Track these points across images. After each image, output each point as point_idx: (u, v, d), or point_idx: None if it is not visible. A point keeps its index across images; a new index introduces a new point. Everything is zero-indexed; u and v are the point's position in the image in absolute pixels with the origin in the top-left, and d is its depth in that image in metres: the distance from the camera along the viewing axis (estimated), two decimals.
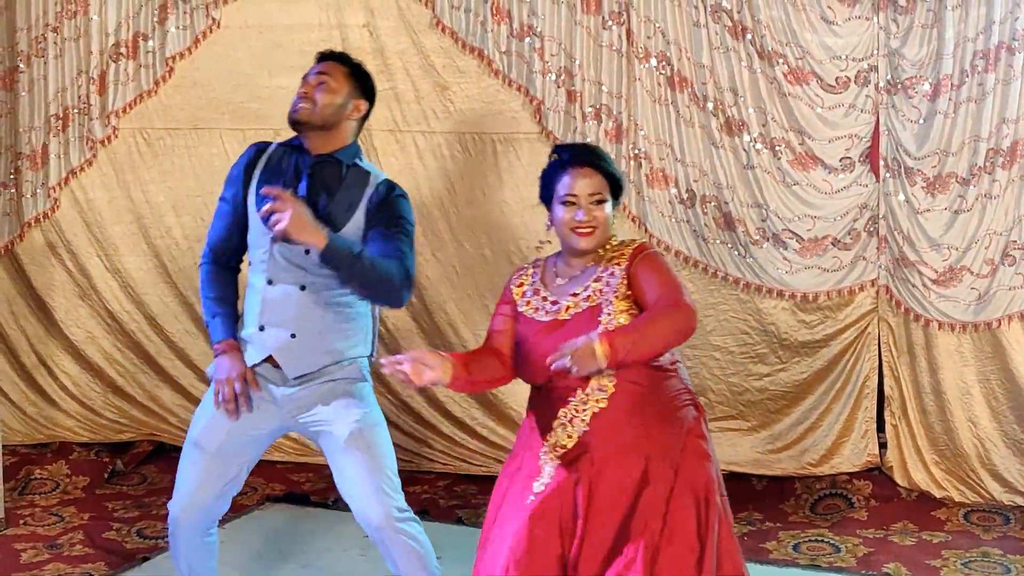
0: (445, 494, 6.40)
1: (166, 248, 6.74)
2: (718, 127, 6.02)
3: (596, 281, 3.86)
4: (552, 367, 3.58)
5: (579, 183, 3.87)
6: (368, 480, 4.29)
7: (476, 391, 4.00)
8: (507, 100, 6.25)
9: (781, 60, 5.94)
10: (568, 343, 3.57)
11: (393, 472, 4.37)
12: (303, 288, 4.31)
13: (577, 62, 6.12)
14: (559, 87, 6.16)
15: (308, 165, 4.38)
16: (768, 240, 6.05)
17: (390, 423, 6.50)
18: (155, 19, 6.54)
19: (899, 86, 5.88)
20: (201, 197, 6.64)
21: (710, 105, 6.03)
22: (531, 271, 4.04)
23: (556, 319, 3.85)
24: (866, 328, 6.10)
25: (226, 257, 4.53)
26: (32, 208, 6.79)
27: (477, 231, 6.35)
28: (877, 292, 6.06)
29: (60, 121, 6.68)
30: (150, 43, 6.56)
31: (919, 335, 6.01)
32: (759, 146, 6.01)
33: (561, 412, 3.81)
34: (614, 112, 6.10)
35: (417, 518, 4.40)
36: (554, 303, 3.89)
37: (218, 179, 6.43)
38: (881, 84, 5.90)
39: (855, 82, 5.92)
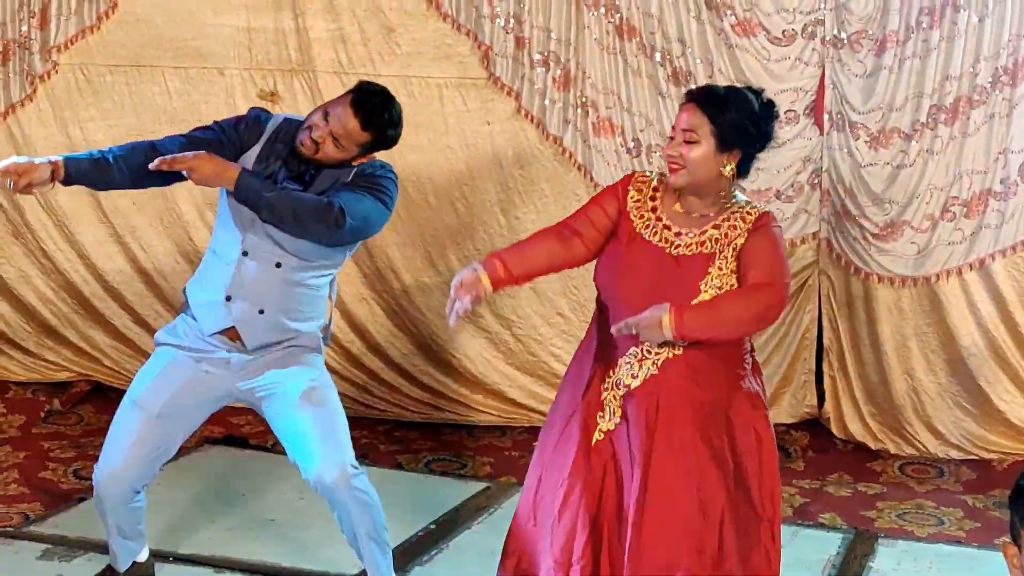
0: (385, 439, 6.39)
1: None
2: (665, 77, 6.02)
3: (715, 228, 3.74)
4: (616, 334, 3.55)
5: (679, 117, 3.78)
6: (321, 437, 4.22)
7: (541, 273, 3.88)
8: (455, 45, 6.20)
9: (729, 12, 5.94)
10: (635, 316, 3.53)
11: (345, 433, 4.31)
12: (278, 265, 4.25)
13: (526, 8, 6.09)
14: (508, 33, 6.12)
15: (312, 165, 4.27)
16: None
17: (330, 369, 6.52)
18: None
19: (845, 40, 5.91)
20: (142, 136, 6.46)
21: (658, 55, 6.02)
22: (654, 182, 3.86)
23: (667, 253, 3.73)
24: (807, 280, 6.15)
25: (132, 164, 4.20)
26: None
27: (421, 176, 6.31)
28: (818, 245, 6.11)
29: (0, 56, 6.55)
30: None
31: (859, 288, 6.06)
32: None
33: (632, 350, 3.73)
34: (562, 60, 6.09)
35: (365, 471, 4.34)
36: (667, 228, 3.77)
37: (160, 118, 6.44)
38: (827, 38, 5.93)
39: (802, 35, 5.94)
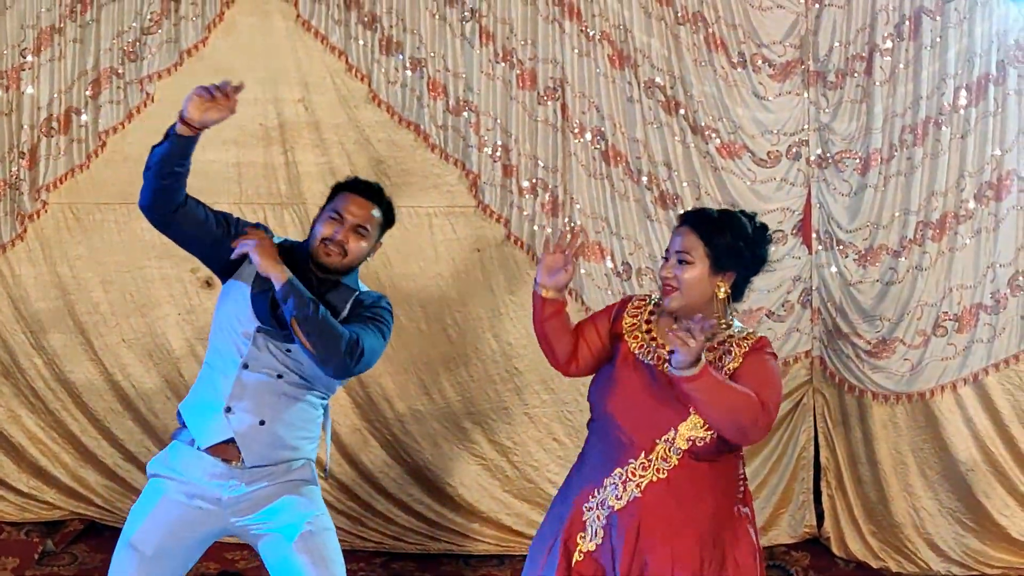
0: (382, 571, 6.32)
1: (93, 325, 6.62)
2: (652, 200, 6.07)
3: (711, 351, 3.78)
4: (670, 335, 3.54)
5: (674, 240, 3.85)
6: None
7: (543, 336, 3.89)
8: (443, 174, 6.26)
9: (714, 135, 6.01)
10: (689, 324, 3.53)
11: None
12: (280, 376, 4.28)
13: (513, 137, 6.16)
14: (495, 161, 6.18)
15: (315, 284, 4.34)
16: None
17: (325, 502, 6.48)
18: (88, 93, 6.47)
19: (830, 160, 5.97)
20: (130, 272, 6.56)
21: (644, 179, 6.08)
22: (650, 307, 3.96)
23: (658, 369, 3.78)
24: (801, 399, 6.14)
25: (181, 201, 4.35)
26: None
27: (413, 304, 6.32)
28: (812, 363, 6.11)
29: None
30: (83, 117, 6.49)
31: (853, 406, 6.06)
32: None
33: (616, 471, 3.77)
34: (550, 186, 6.14)
35: None
36: (661, 347, 3.83)
37: (148, 254, 6.46)
38: (812, 158, 5.99)
39: (787, 156, 6.01)
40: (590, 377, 4.08)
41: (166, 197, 4.32)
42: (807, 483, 6.22)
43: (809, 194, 6.02)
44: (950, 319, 5.90)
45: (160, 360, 6.61)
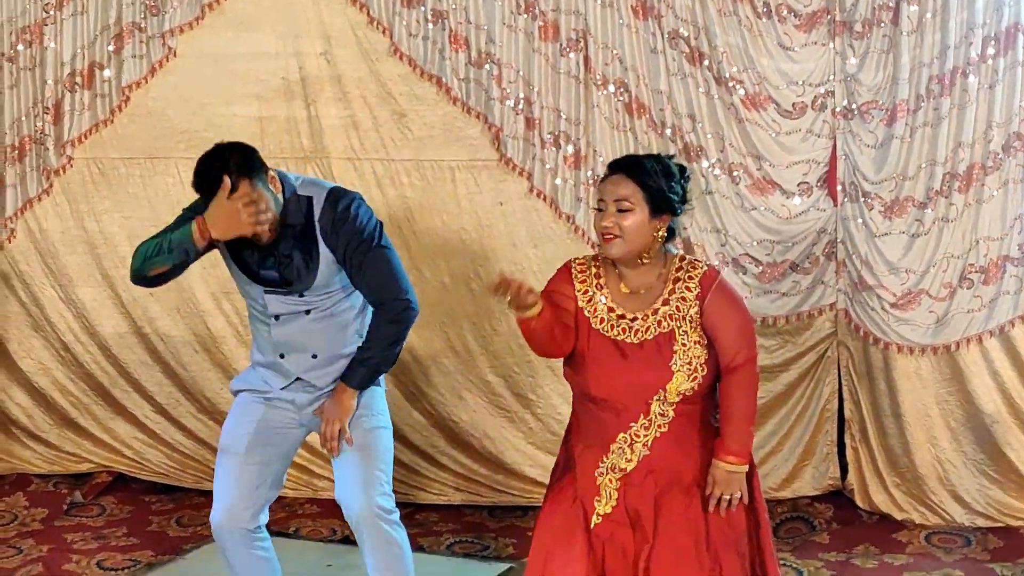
0: (406, 522, 6.26)
1: (120, 278, 6.67)
2: (676, 152, 6.03)
3: (665, 304, 3.87)
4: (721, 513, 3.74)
5: (607, 189, 3.89)
6: (357, 475, 4.52)
7: (540, 343, 3.96)
8: (465, 127, 6.24)
9: (738, 86, 5.96)
10: (714, 498, 3.74)
11: (385, 475, 4.61)
12: (307, 312, 4.55)
13: (535, 89, 6.13)
14: (518, 114, 6.16)
15: (268, 250, 4.51)
16: (727, 265, 6.06)
17: None
18: (111, 48, 6.49)
19: (856, 111, 5.92)
20: (156, 227, 6.42)
21: (668, 131, 6.04)
22: (592, 270, 3.99)
23: (626, 342, 3.86)
24: (825, 352, 6.12)
25: None
26: None
27: (436, 259, 6.33)
28: (836, 316, 6.09)
29: (16, 151, 6.61)
30: (106, 72, 6.51)
31: (878, 358, 6.03)
32: (717, 171, 6.03)
33: (620, 436, 3.87)
34: (573, 138, 6.11)
35: (401, 524, 4.64)
36: (620, 317, 3.89)
37: (174, 208, 6.38)
38: (838, 109, 5.94)
39: (812, 107, 5.95)
40: None
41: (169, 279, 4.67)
42: (831, 435, 6.21)
43: (835, 146, 5.97)
44: (976, 271, 5.86)
45: (187, 314, 6.67)
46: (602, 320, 3.90)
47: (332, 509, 4.82)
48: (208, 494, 6.57)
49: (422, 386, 6.49)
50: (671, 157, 4.04)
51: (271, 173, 4.48)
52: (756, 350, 3.91)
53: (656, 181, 3.86)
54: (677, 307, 3.86)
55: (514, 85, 6.15)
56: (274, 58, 6.37)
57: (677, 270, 3.92)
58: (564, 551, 3.90)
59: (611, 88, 6.07)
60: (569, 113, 6.12)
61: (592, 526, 3.89)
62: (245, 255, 4.54)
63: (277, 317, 4.57)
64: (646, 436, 3.84)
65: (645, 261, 3.91)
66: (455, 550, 6.05)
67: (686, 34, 5.97)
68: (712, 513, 3.89)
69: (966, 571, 5.64)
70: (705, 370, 3.86)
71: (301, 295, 4.52)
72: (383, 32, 6.26)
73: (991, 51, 5.72)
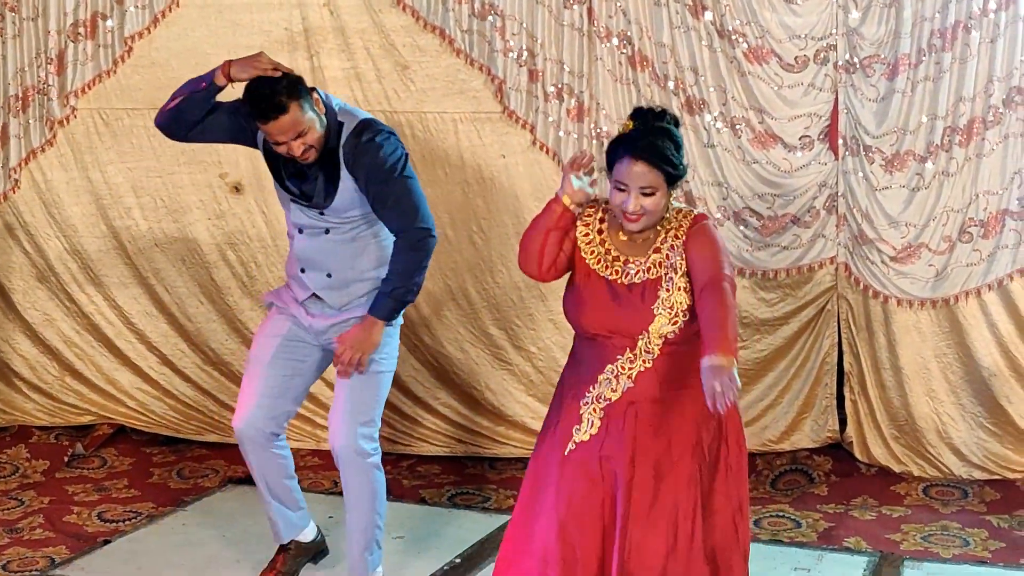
0: (408, 474, 6.40)
1: (125, 229, 6.70)
2: (679, 106, 6.04)
3: (656, 252, 4.03)
4: (720, 408, 3.67)
5: (633, 173, 3.95)
6: (345, 410, 4.73)
7: (546, 244, 4.09)
8: (468, 79, 6.24)
9: (741, 39, 5.96)
10: (708, 386, 3.67)
11: (372, 416, 4.78)
12: (327, 231, 4.74)
13: (539, 41, 6.12)
14: (521, 66, 6.15)
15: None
16: (729, 218, 6.08)
17: None
18: None
19: (857, 65, 5.92)
20: (161, 178, 6.61)
21: (671, 84, 6.04)
22: (599, 214, 4.14)
23: (618, 283, 4.02)
24: (825, 305, 6.15)
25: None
26: None
27: (439, 211, 6.29)
28: (836, 269, 6.11)
29: (20, 102, 6.62)
30: (109, 23, 6.51)
31: (878, 311, 6.06)
32: (719, 125, 6.04)
33: (608, 368, 4.02)
34: (576, 91, 6.11)
35: (379, 464, 4.81)
36: (615, 260, 4.05)
37: (178, 159, 6.51)
38: (840, 63, 5.93)
39: (814, 61, 5.95)
40: None
41: (185, 123, 4.81)
42: (830, 388, 6.24)
43: (836, 99, 5.97)
44: (976, 225, 5.88)
45: (192, 264, 6.69)
46: (599, 260, 4.06)
47: (334, 461, 4.85)
48: (209, 446, 6.70)
49: (424, 338, 6.52)
50: (665, 112, 4.09)
51: (315, 95, 4.63)
52: (732, 276, 3.97)
53: (673, 162, 3.97)
54: (667, 255, 4.01)
55: (517, 37, 6.14)
56: (277, 8, 6.36)
57: (672, 220, 4.06)
58: (542, 483, 4.09)
59: (614, 41, 6.07)
60: (572, 66, 6.12)
61: (567, 452, 4.03)
62: (280, 164, 4.72)
63: (301, 230, 4.78)
64: (631, 369, 4.00)
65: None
66: (456, 502, 6.09)
67: None
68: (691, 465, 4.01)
69: (963, 523, 5.69)
70: (687, 316, 3.98)
71: (321, 213, 4.69)
72: None
73: (992, 5, 5.72)
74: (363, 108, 6.26)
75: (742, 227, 6.07)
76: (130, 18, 6.47)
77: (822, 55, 5.94)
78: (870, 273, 6.02)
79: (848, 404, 6.25)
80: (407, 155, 4.75)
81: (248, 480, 6.19)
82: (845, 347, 6.19)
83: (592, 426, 4.03)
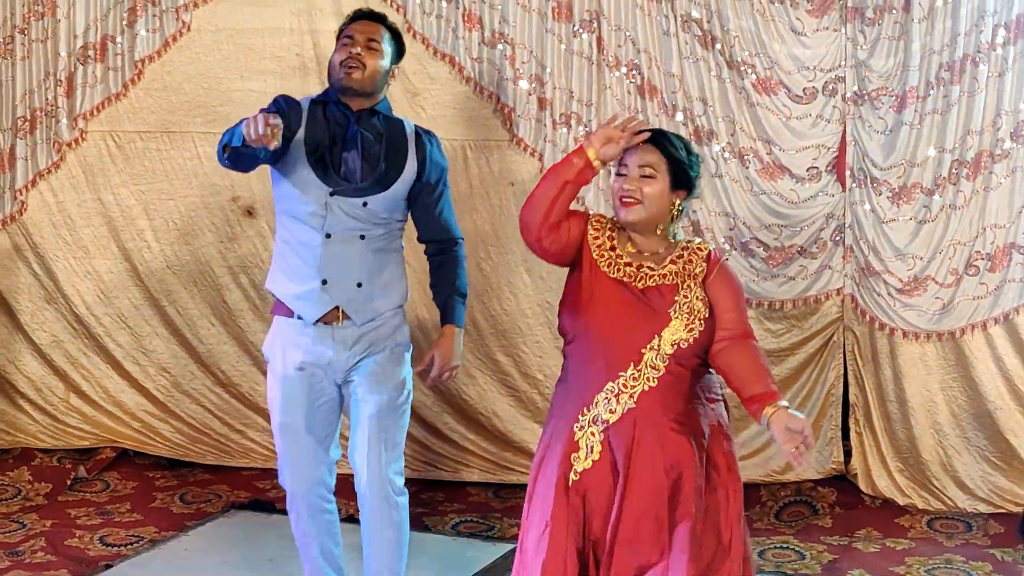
0: (412, 501, 6.32)
1: (137, 251, 6.71)
2: (687, 136, 6.05)
3: (673, 263, 3.90)
4: (801, 466, 3.70)
5: (634, 155, 3.88)
6: (375, 443, 4.56)
7: (559, 198, 3.89)
8: (478, 107, 6.26)
9: (750, 70, 5.98)
10: (788, 439, 3.66)
11: (398, 452, 4.67)
12: (362, 237, 4.54)
13: (548, 70, 6.15)
14: (530, 94, 6.18)
15: (354, 120, 4.56)
16: (736, 249, 6.09)
17: None
18: (124, 21, 6.51)
19: (866, 97, 5.94)
20: (173, 200, 6.63)
21: (679, 114, 6.06)
22: (608, 225, 3.99)
23: (631, 284, 3.86)
24: (831, 337, 6.15)
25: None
26: None
27: None
28: (843, 301, 6.11)
29: (27, 123, 6.63)
30: (119, 45, 6.53)
31: (884, 343, 6.06)
32: (727, 155, 6.05)
33: (608, 385, 3.84)
34: (584, 120, 6.13)
35: (407, 506, 4.69)
36: (628, 264, 3.89)
37: (191, 182, 6.55)
38: (848, 95, 5.95)
39: (823, 92, 5.98)
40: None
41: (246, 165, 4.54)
42: (835, 420, 6.23)
43: (844, 131, 5.98)
44: (982, 258, 5.88)
45: (204, 287, 6.70)
46: (610, 264, 3.90)
47: (337, 487, 4.82)
48: (213, 471, 6.68)
49: None
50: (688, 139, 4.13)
51: (395, 71, 4.77)
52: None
53: (680, 154, 3.89)
54: (684, 267, 3.88)
55: (527, 65, 6.17)
56: (288, 34, 6.39)
57: (683, 248, 3.95)
58: (541, 515, 3.90)
59: (623, 70, 6.10)
60: (581, 94, 6.14)
61: (571, 484, 3.85)
62: (325, 151, 4.52)
63: (329, 236, 4.50)
64: (634, 387, 3.81)
65: (658, 233, 3.93)
66: (460, 530, 6.08)
67: (699, 17, 6.00)
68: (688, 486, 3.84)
69: (967, 556, 5.67)
70: (703, 326, 3.83)
71: (365, 204, 4.50)
72: (397, 10, 6.27)
73: (1001, 39, 5.74)
74: None
75: (749, 258, 6.08)
76: (141, 41, 6.49)
77: (830, 87, 5.96)
78: (876, 305, 6.02)
79: (853, 436, 6.24)
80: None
81: (252, 506, 6.23)
82: (851, 379, 6.19)
83: (592, 452, 3.84)
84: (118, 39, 6.52)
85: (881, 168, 5.94)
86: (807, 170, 6.01)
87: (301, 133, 4.53)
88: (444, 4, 6.22)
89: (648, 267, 3.89)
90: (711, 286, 3.88)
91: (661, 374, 3.80)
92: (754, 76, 5.99)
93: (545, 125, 6.17)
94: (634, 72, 6.08)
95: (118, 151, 6.63)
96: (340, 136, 4.55)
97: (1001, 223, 5.85)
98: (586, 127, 6.12)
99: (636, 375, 3.82)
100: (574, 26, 6.11)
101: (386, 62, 4.59)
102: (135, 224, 6.69)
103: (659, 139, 3.91)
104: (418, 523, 6.07)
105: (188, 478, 6.70)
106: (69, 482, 6.62)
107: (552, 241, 3.93)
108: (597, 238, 3.96)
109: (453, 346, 4.66)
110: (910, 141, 5.89)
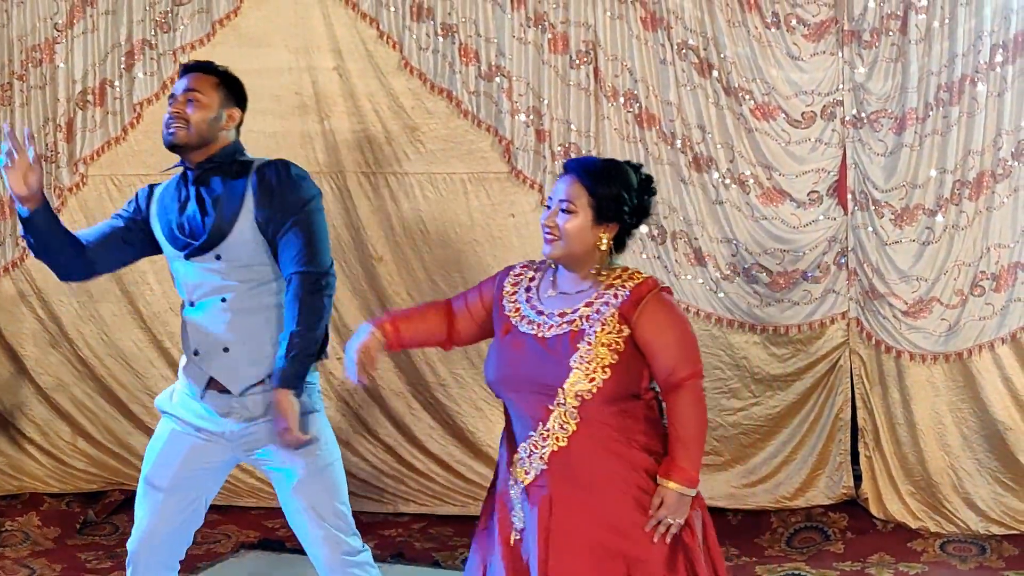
0: (420, 537, 6.37)
1: (140, 294, 6.72)
2: (687, 164, 6.05)
3: (587, 306, 3.67)
4: (657, 539, 3.55)
5: (557, 188, 3.73)
6: (315, 527, 4.26)
7: (405, 348, 3.97)
8: (476, 140, 6.27)
9: (748, 96, 5.98)
10: (660, 515, 3.57)
11: (341, 514, 4.30)
12: (223, 300, 4.25)
13: (545, 101, 6.16)
14: (528, 127, 6.18)
15: (192, 180, 4.32)
16: (739, 275, 6.07)
17: (366, 461, 6.52)
18: (122, 66, 6.54)
19: (865, 120, 5.92)
20: None
21: (678, 142, 6.06)
22: (531, 274, 3.84)
23: (536, 336, 3.67)
24: (838, 361, 6.12)
25: (86, 245, 4.36)
26: (1, 257, 6.77)
27: (451, 270, 6.36)
28: (848, 324, 6.09)
29: None
30: (117, 89, 6.56)
31: (891, 366, 6.03)
32: (728, 181, 6.04)
33: (521, 446, 3.67)
34: (583, 150, 6.13)
35: (371, 560, 4.36)
36: (539, 313, 3.71)
37: None
38: (847, 118, 5.95)
39: (821, 116, 5.97)
40: None
41: (66, 266, 4.38)
42: (844, 444, 6.19)
43: (844, 154, 5.97)
44: (987, 278, 5.86)
45: None
46: (522, 317, 3.72)
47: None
48: (222, 511, 6.65)
49: (440, 397, 6.52)
50: (639, 166, 3.84)
51: (234, 114, 4.40)
52: (700, 367, 3.68)
53: (607, 188, 3.67)
54: (597, 309, 3.64)
55: (524, 98, 6.18)
56: (287, 73, 6.41)
57: (615, 278, 3.71)
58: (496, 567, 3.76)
59: (621, 100, 6.10)
60: (579, 125, 6.14)
61: (512, 543, 3.71)
62: (173, 217, 4.32)
63: (192, 303, 4.29)
64: (543, 448, 3.62)
65: (592, 272, 3.72)
66: None
67: (695, 45, 6.00)
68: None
69: None
70: (607, 374, 3.58)
71: (217, 257, 4.21)
72: (393, 46, 6.30)
73: (999, 59, 5.73)
74: (374, 169, 6.35)
75: (752, 283, 6.06)
76: (139, 85, 6.52)
77: (829, 110, 5.95)
78: (882, 328, 5.99)
79: (863, 460, 6.20)
80: (321, 195, 4.36)
81: (261, 545, 6.21)
82: (859, 402, 6.16)
83: (521, 511, 3.68)
84: (116, 83, 6.56)
85: (883, 190, 5.92)
86: (808, 194, 5.99)
87: (154, 210, 4.39)
88: (440, 39, 6.24)
89: (559, 313, 3.68)
90: (637, 325, 3.62)
91: (571, 433, 3.60)
92: (752, 102, 5.98)
93: (544, 157, 6.17)
94: (631, 101, 6.08)
95: (119, 194, 6.64)
96: (184, 199, 4.34)
97: (1005, 242, 5.82)
98: None
99: (545, 434, 3.63)
100: (571, 57, 6.12)
101: (213, 112, 4.31)
102: (137, 267, 6.65)
103: (582, 171, 3.71)
104: (428, 558, 6.06)
105: None
106: (78, 526, 6.62)
107: (460, 337, 3.92)
108: (514, 293, 3.80)
109: (281, 413, 4.13)
110: (911, 163, 5.87)
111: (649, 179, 3.81)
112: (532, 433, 3.64)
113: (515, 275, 3.86)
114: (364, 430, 6.65)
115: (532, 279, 3.82)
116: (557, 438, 3.61)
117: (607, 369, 3.59)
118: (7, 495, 6.88)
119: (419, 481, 6.62)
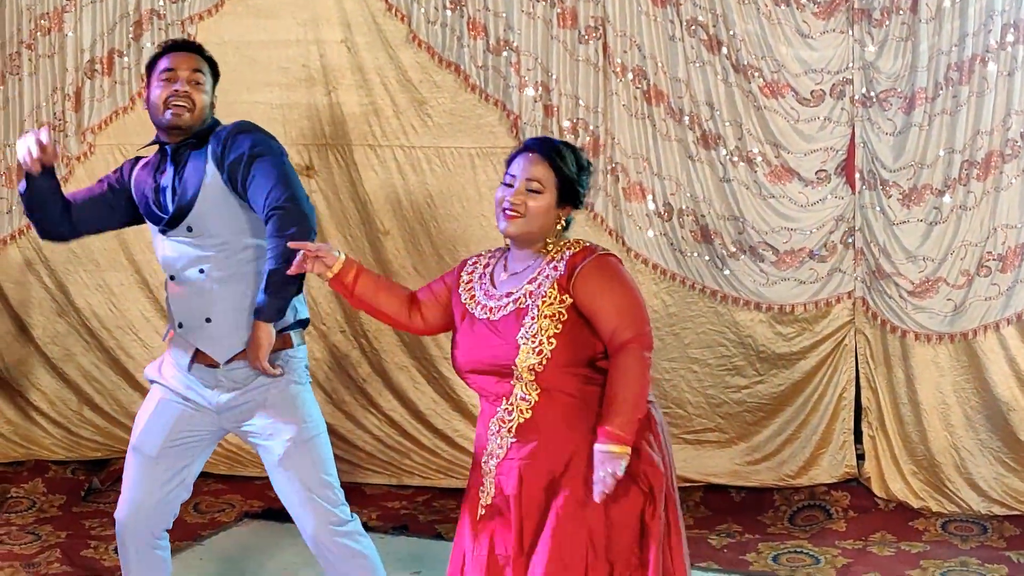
0: (424, 509, 6.40)
1: (147, 262, 6.73)
2: (694, 140, 6.04)
3: (531, 282, 3.72)
4: (597, 499, 3.56)
5: (521, 166, 3.78)
6: (302, 498, 4.30)
7: (362, 309, 4.00)
8: (484, 114, 6.27)
9: (757, 74, 5.97)
10: (598, 478, 3.55)
11: (328, 484, 4.33)
12: (201, 271, 4.29)
13: (554, 76, 6.14)
14: (536, 101, 6.17)
15: (170, 155, 4.34)
16: (745, 253, 6.07)
17: (370, 435, 6.54)
18: (130, 36, 6.54)
19: (874, 99, 5.91)
20: None
21: (686, 119, 6.05)
22: (486, 260, 3.92)
23: (488, 319, 3.73)
24: (843, 340, 6.12)
25: (70, 210, 4.44)
26: (8, 225, 6.78)
27: (457, 244, 6.36)
28: (854, 304, 6.09)
29: None
30: (125, 59, 6.56)
31: (896, 346, 6.03)
32: (735, 159, 6.03)
33: (492, 422, 3.74)
34: (591, 126, 6.12)
35: (361, 529, 4.39)
36: (491, 298, 3.77)
37: None
38: (856, 97, 5.93)
39: (830, 95, 5.95)
40: None
41: (52, 225, 4.47)
42: (848, 423, 6.20)
43: (853, 133, 5.96)
44: (994, 259, 5.85)
45: None
46: (477, 303, 3.78)
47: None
48: (226, 480, 6.68)
49: (442, 368, 6.52)
50: (581, 150, 3.94)
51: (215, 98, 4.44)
52: (645, 330, 3.69)
53: (570, 171, 3.75)
54: (539, 284, 3.70)
55: (532, 73, 6.17)
56: (295, 45, 6.41)
57: (556, 252, 3.75)
58: (459, 545, 3.87)
59: (629, 76, 6.09)
60: (588, 101, 6.13)
61: (478, 518, 3.78)
62: (150, 194, 4.37)
63: (173, 277, 4.33)
64: (510, 421, 3.69)
65: (542, 249, 3.77)
66: None
67: (704, 22, 5.98)
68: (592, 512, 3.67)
69: (982, 559, 5.64)
70: (553, 344, 3.62)
71: (190, 228, 4.25)
72: (401, 19, 6.29)
73: (1010, 38, 5.72)
74: (381, 143, 6.35)
75: (759, 262, 6.06)
76: (147, 54, 6.46)
77: (838, 89, 5.93)
78: (888, 307, 5.99)
79: (866, 439, 6.21)
80: (273, 139, 4.35)
81: (265, 515, 6.24)
82: (863, 382, 6.16)
83: (491, 487, 3.74)
84: (125, 53, 6.56)
85: (891, 170, 5.91)
86: (816, 173, 5.99)
87: (133, 184, 4.44)
88: (449, 13, 6.23)
89: (506, 294, 3.75)
90: (575, 293, 3.67)
91: (533, 404, 3.68)
92: (761, 79, 5.97)
93: (552, 132, 6.15)
94: (640, 78, 6.07)
95: None
96: (160, 174, 4.38)
97: (1012, 223, 5.82)
98: (593, 133, 6.11)
99: (510, 408, 3.70)
100: (580, 33, 6.10)
101: (210, 96, 4.39)
102: (144, 235, 6.63)
103: (550, 152, 3.78)
104: (431, 531, 6.08)
105: (201, 488, 6.67)
106: (83, 493, 6.65)
107: (427, 322, 3.97)
108: (470, 281, 3.87)
109: (255, 341, 4.22)
110: (919, 142, 5.86)
111: (590, 164, 3.91)
112: (499, 409, 3.72)
113: (471, 264, 3.94)
114: (369, 403, 6.68)
115: (487, 266, 3.90)
116: (521, 410, 3.68)
117: (552, 339, 3.64)
118: (13, 462, 6.92)
119: (422, 455, 6.64)
